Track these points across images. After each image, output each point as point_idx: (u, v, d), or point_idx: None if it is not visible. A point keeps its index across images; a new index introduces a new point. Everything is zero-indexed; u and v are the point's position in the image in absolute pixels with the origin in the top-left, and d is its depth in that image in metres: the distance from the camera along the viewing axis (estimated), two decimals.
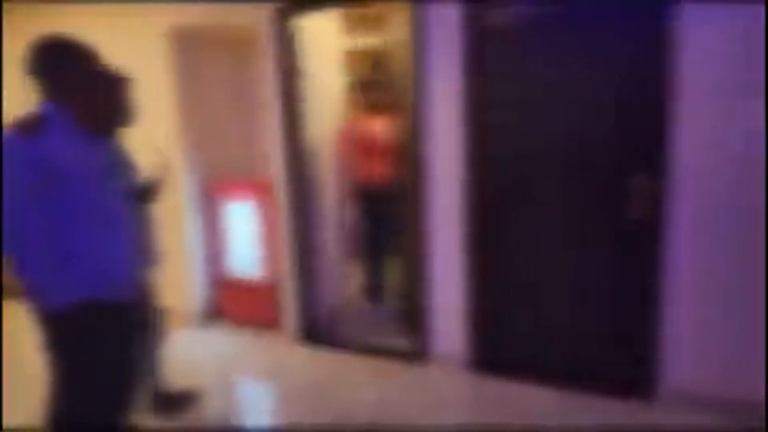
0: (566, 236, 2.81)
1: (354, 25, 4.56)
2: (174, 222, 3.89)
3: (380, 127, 3.97)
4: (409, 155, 3.15)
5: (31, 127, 1.72)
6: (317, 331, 3.74)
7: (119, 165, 2.19)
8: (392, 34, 4.54)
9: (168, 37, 3.74)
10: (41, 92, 1.82)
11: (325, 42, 3.87)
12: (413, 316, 3.32)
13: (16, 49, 3.83)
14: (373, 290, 4.15)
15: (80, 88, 1.83)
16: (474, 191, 2.95)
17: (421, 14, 2.92)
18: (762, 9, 2.22)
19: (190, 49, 3.84)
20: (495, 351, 3.07)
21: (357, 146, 3.95)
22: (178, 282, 4.00)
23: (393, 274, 4.09)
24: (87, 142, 1.85)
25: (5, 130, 1.71)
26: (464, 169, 2.95)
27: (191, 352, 3.63)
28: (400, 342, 3.45)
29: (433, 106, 2.98)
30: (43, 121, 1.75)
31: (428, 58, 2.95)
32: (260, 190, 3.80)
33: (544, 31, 2.70)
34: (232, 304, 4.12)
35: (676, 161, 2.46)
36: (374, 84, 4.07)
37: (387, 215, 3.90)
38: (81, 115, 1.83)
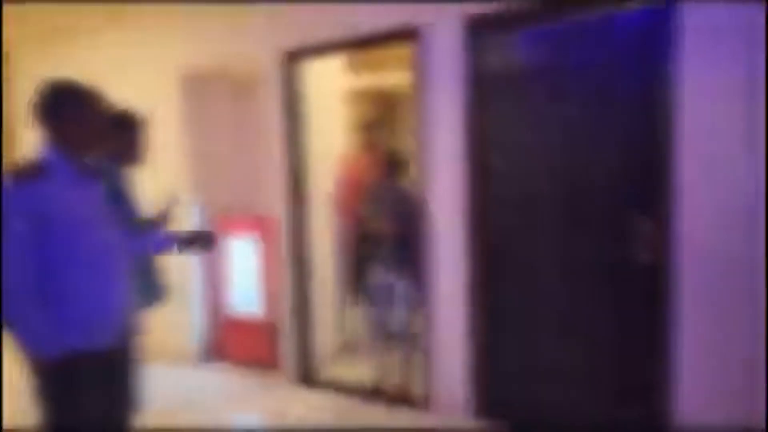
0: (571, 280, 2.76)
1: (359, 65, 4.64)
2: (176, 257, 3.88)
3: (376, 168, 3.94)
4: (409, 196, 3.15)
5: (29, 173, 1.74)
6: (316, 371, 3.68)
7: (119, 202, 2.21)
8: (397, 73, 4.63)
9: (179, 79, 3.81)
10: (44, 135, 1.83)
11: (329, 81, 3.92)
12: (416, 360, 3.27)
13: (24, 91, 3.92)
14: (374, 333, 4.00)
15: (82, 132, 1.84)
16: (476, 234, 2.93)
17: (424, 55, 2.96)
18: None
19: (199, 89, 3.90)
20: (498, 396, 3.00)
21: (352, 187, 3.90)
22: (178, 318, 3.97)
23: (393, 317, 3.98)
24: (84, 186, 1.86)
25: (5, 176, 1.73)
26: (466, 211, 2.93)
27: (190, 391, 3.57)
28: (402, 385, 3.38)
29: (434, 147, 2.99)
30: (42, 166, 1.76)
31: (431, 99, 2.97)
32: (263, 226, 3.80)
33: (546, 72, 2.72)
34: (232, 342, 4.08)
35: (680, 202, 2.44)
36: (376, 124, 4.10)
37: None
38: (82, 157, 1.85)
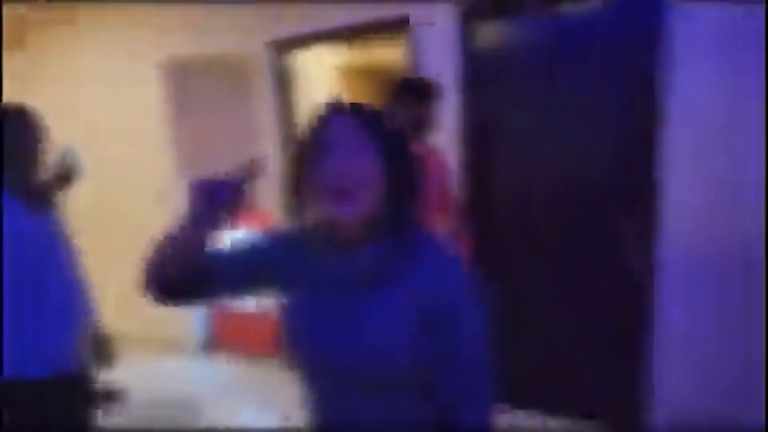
0: (566, 278, 2.78)
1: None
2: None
3: None
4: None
5: None
6: None
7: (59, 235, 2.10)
8: (389, 50, 4.48)
9: (163, 67, 3.70)
10: None
11: (320, 60, 3.81)
12: None
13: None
14: None
15: (31, 160, 1.81)
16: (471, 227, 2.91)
17: (417, 45, 2.88)
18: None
19: (185, 79, 3.79)
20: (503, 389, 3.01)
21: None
22: (177, 311, 3.97)
23: None
24: (31, 216, 1.82)
25: None
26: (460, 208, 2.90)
27: (190, 382, 3.62)
28: None
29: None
30: None
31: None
32: (257, 219, 3.76)
33: (545, 54, 2.64)
34: (231, 333, 4.10)
35: (668, 203, 2.44)
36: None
37: None
38: (33, 187, 1.82)
